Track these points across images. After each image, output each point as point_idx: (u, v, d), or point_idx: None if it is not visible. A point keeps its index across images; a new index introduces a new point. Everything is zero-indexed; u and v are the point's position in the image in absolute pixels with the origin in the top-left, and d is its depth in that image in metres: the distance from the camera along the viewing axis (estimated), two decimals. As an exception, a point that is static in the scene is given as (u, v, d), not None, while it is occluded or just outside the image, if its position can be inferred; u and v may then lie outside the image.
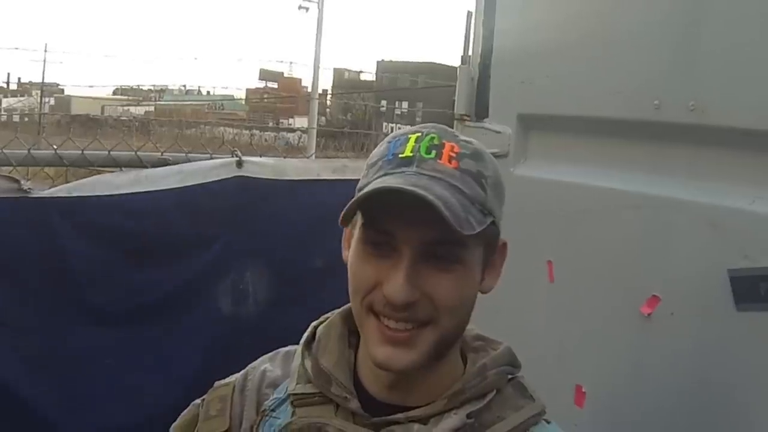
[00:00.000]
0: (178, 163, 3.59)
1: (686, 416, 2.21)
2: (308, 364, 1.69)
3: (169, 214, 3.41)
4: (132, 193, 3.37)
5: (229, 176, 3.49)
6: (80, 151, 3.74)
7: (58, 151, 3.70)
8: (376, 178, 1.50)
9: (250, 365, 1.85)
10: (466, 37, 3.01)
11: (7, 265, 3.27)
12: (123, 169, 3.67)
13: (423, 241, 1.47)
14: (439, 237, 1.46)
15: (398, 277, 1.46)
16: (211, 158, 3.65)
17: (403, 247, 1.48)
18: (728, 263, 2.07)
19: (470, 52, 2.97)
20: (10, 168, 3.54)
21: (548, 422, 1.75)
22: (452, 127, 2.92)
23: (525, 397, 1.72)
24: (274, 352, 1.87)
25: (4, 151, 3.58)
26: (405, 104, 63.48)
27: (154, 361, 3.39)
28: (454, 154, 1.52)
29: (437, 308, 1.51)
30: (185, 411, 1.88)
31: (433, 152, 1.51)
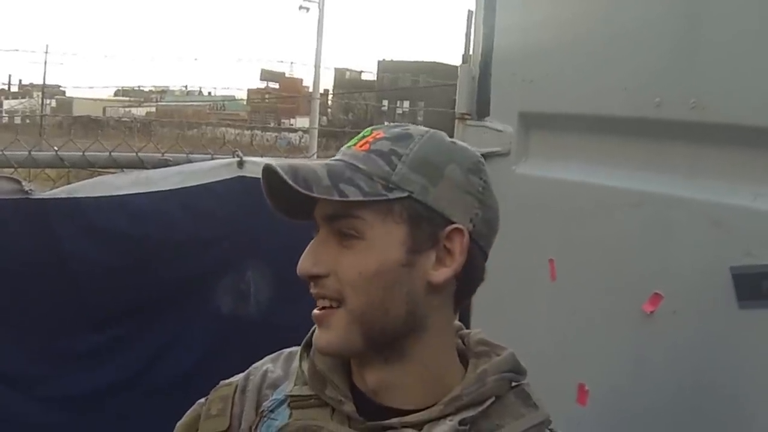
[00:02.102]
0: (179, 164, 3.58)
1: (689, 414, 2.21)
2: (305, 365, 1.67)
3: (170, 215, 3.40)
4: (133, 194, 3.36)
5: (231, 176, 3.48)
6: (81, 153, 3.74)
7: (58, 153, 3.69)
8: None
9: (253, 365, 1.83)
10: (467, 36, 3.02)
11: (7, 267, 3.27)
12: (124, 170, 3.67)
13: (323, 216, 1.53)
14: (332, 211, 1.51)
15: (305, 252, 1.54)
16: (213, 159, 3.65)
17: (318, 226, 1.55)
18: (730, 260, 2.07)
19: (471, 51, 2.97)
20: (12, 170, 3.53)
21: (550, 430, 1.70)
22: (453, 127, 2.94)
23: (528, 406, 1.68)
24: (278, 352, 1.85)
25: (5, 152, 3.58)
26: (406, 104, 63.49)
27: (155, 361, 3.38)
28: (371, 140, 1.55)
29: (342, 285, 1.52)
30: (189, 410, 1.88)
31: (354, 142, 1.58)
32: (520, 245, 2.71)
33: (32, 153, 3.63)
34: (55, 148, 3.82)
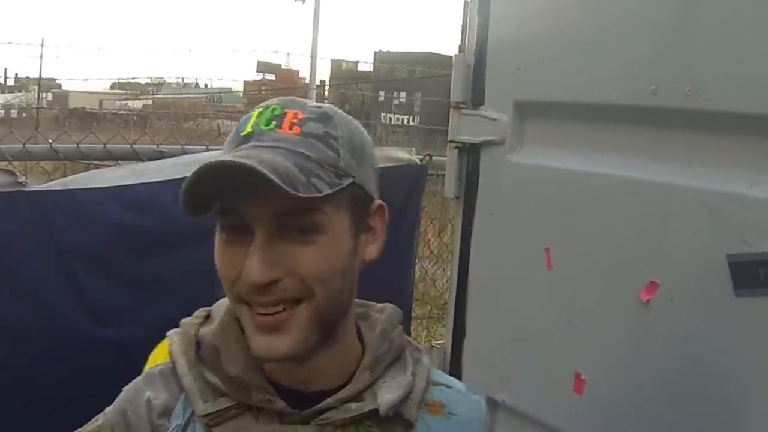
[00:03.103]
0: (174, 155, 3.58)
1: (686, 402, 2.21)
2: (212, 377, 1.54)
3: (167, 206, 3.39)
4: (129, 185, 3.35)
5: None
6: (76, 145, 3.73)
7: (53, 145, 3.69)
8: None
9: (118, 401, 1.65)
10: (462, 26, 3.01)
11: (2, 260, 3.26)
12: (119, 162, 3.66)
13: (275, 214, 1.40)
14: (290, 207, 1.39)
15: (253, 259, 1.39)
16: (207, 150, 3.64)
17: (256, 226, 1.40)
18: (727, 249, 2.07)
19: (466, 41, 2.97)
20: (6, 163, 3.52)
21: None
22: (449, 116, 2.93)
23: (417, 350, 1.72)
24: (141, 378, 1.65)
25: (0, 145, 3.57)
26: (403, 94, 63.59)
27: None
28: (296, 121, 1.46)
29: (306, 283, 1.43)
30: None
31: (273, 123, 1.46)
32: (516, 234, 2.71)
33: (27, 146, 3.62)
34: (50, 140, 3.81)
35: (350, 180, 1.47)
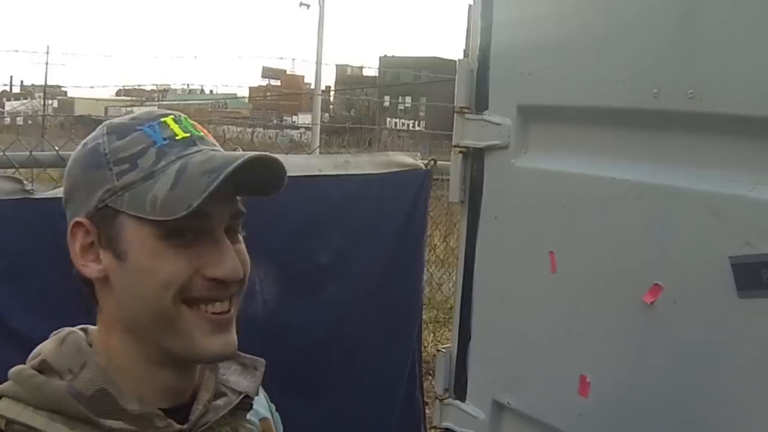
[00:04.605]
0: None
1: (690, 404, 2.22)
2: (117, 424, 1.42)
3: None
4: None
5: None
6: (82, 152, 3.74)
7: (60, 153, 3.69)
8: (173, 162, 1.41)
9: None
10: (467, 30, 3.01)
11: (10, 267, 3.26)
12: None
13: (230, 215, 1.45)
14: (238, 210, 1.47)
15: (229, 256, 1.42)
16: (214, 156, 3.65)
17: (216, 226, 1.42)
18: (730, 250, 2.08)
19: (470, 45, 2.97)
20: (13, 170, 3.53)
21: None
22: (453, 121, 2.94)
23: None
24: None
25: (6, 153, 3.58)
26: (408, 99, 63.51)
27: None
28: (207, 131, 1.53)
29: (243, 279, 1.48)
30: None
31: (201, 131, 1.51)
32: (520, 238, 2.72)
33: (33, 153, 3.63)
34: (56, 148, 3.82)
35: None
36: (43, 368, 1.48)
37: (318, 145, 16.24)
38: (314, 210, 3.54)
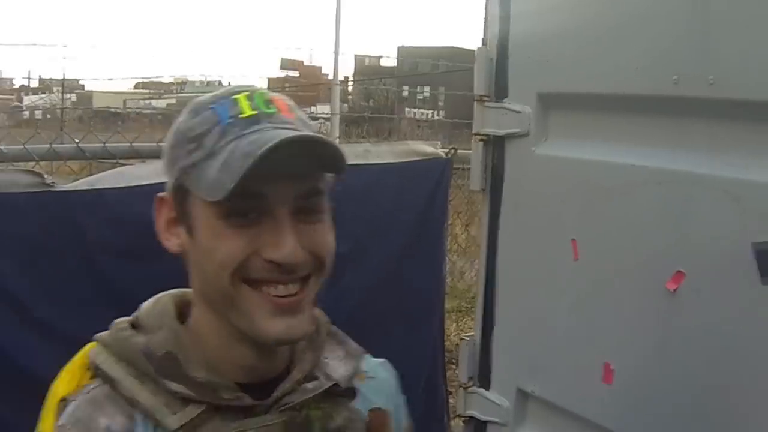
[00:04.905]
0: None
1: (714, 391, 2.21)
2: (177, 386, 1.48)
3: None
4: (156, 184, 3.36)
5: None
6: (102, 144, 3.75)
7: (79, 145, 3.70)
8: (231, 142, 1.40)
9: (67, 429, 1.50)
10: (485, 19, 3.01)
11: (33, 260, 3.28)
12: (145, 160, 3.66)
13: (297, 195, 1.42)
14: (309, 188, 1.44)
15: (287, 240, 1.40)
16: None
17: (278, 207, 1.41)
18: (752, 236, 2.08)
19: (489, 34, 2.96)
20: (33, 164, 3.54)
21: None
22: (472, 110, 2.94)
23: (329, 322, 1.75)
24: (85, 403, 1.51)
25: (26, 146, 3.59)
26: (427, 89, 63.37)
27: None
28: (287, 106, 1.49)
29: (320, 261, 1.47)
30: None
31: (273, 107, 1.47)
32: (542, 226, 2.71)
33: (53, 146, 3.64)
34: (76, 140, 3.83)
35: None
36: (135, 324, 1.60)
37: (337, 135, 16.22)
38: (333, 199, 3.52)
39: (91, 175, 3.49)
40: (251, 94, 1.48)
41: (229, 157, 1.37)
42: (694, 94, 2.22)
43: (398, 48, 73.86)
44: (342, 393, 1.62)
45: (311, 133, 1.41)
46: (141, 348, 1.53)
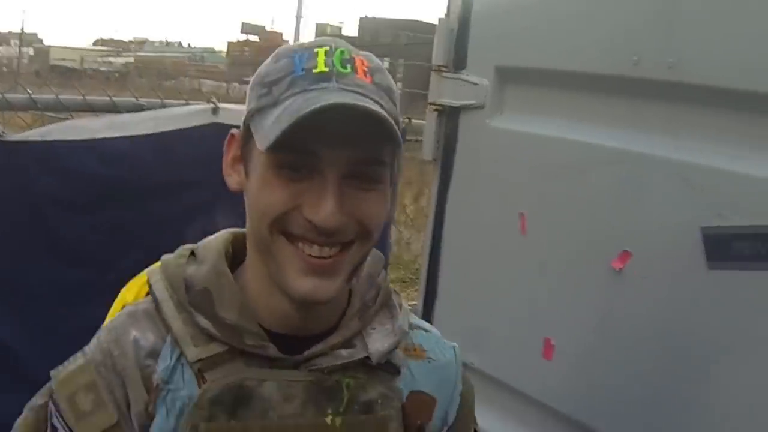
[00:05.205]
0: (153, 109, 3.55)
1: (653, 370, 2.23)
2: (204, 321, 1.51)
3: (144, 159, 3.36)
4: (108, 138, 3.33)
5: (205, 123, 3.45)
6: (55, 96, 3.70)
7: (32, 96, 3.65)
8: (292, 96, 1.38)
9: (100, 339, 1.57)
10: (449, -9, 3.00)
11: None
12: (98, 115, 3.62)
13: (350, 160, 1.38)
14: (366, 156, 1.39)
15: (328, 203, 1.37)
16: (188, 104, 3.61)
17: (328, 169, 1.37)
18: (701, 221, 2.08)
19: (451, 5, 2.95)
20: (-15, 115, 3.49)
21: None
22: (429, 79, 2.92)
23: (395, 293, 1.72)
24: (124, 315, 1.58)
25: (-24, 96, 3.53)
26: (387, 60, 63.42)
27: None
28: (366, 69, 1.45)
29: (364, 229, 1.43)
30: (19, 421, 1.58)
31: (349, 66, 1.42)
32: (491, 199, 2.71)
33: (6, 95, 3.59)
34: (29, 91, 3.77)
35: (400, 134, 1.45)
36: (194, 252, 1.62)
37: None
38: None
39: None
40: (331, 49, 1.44)
41: (285, 110, 1.35)
42: (654, 76, 2.22)
43: (360, 18, 73.72)
44: (383, 368, 1.59)
45: (363, 104, 1.33)
46: (185, 277, 1.56)
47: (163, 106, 3.61)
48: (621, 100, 2.35)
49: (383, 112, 1.34)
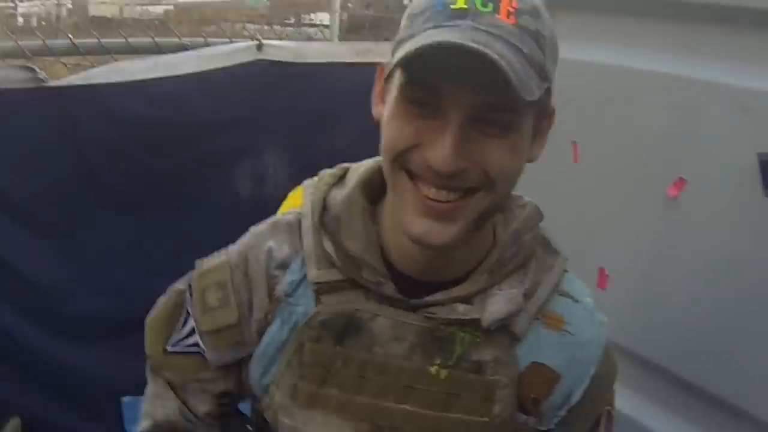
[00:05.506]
0: (196, 49, 3.52)
1: (708, 298, 2.20)
2: (329, 246, 1.54)
3: (188, 98, 3.33)
4: (152, 79, 3.31)
5: (250, 60, 3.41)
6: (97, 39, 3.67)
7: (73, 40, 3.63)
8: (424, 31, 1.31)
9: (242, 242, 1.67)
10: None
11: (25, 156, 3.25)
12: (142, 56, 3.60)
13: (475, 104, 1.30)
14: (494, 101, 1.30)
15: (445, 145, 1.30)
16: (231, 42, 3.57)
17: (451, 110, 1.30)
18: (758, 147, 2.04)
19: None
20: (26, 60, 3.47)
21: (567, 272, 1.66)
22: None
23: (551, 253, 1.64)
24: (268, 224, 1.67)
25: (19, 42, 3.51)
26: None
27: (173, 246, 3.35)
28: (512, 9, 1.32)
29: (489, 177, 1.35)
30: (163, 299, 1.75)
31: (490, 5, 1.31)
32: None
33: (47, 41, 3.57)
34: (71, 36, 3.75)
35: (547, 85, 1.39)
36: (345, 176, 1.64)
37: (336, 41, 16.07)
38: (333, 96, 3.50)
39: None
40: None
41: (412, 43, 1.30)
42: (709, 0, 2.17)
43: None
44: (504, 333, 1.53)
45: (477, 46, 1.24)
46: (326, 198, 1.59)
47: (207, 45, 3.59)
48: (675, 24, 2.30)
49: (496, 57, 1.23)
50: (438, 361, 1.51)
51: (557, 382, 1.58)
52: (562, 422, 1.63)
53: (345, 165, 1.65)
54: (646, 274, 2.35)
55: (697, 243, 2.22)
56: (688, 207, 2.22)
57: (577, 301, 1.63)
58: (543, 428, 1.62)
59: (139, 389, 3.38)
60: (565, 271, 1.65)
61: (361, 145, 1.62)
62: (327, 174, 1.65)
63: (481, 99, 1.30)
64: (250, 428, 1.65)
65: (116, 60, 3.56)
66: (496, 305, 1.51)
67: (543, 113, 1.47)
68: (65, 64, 4.05)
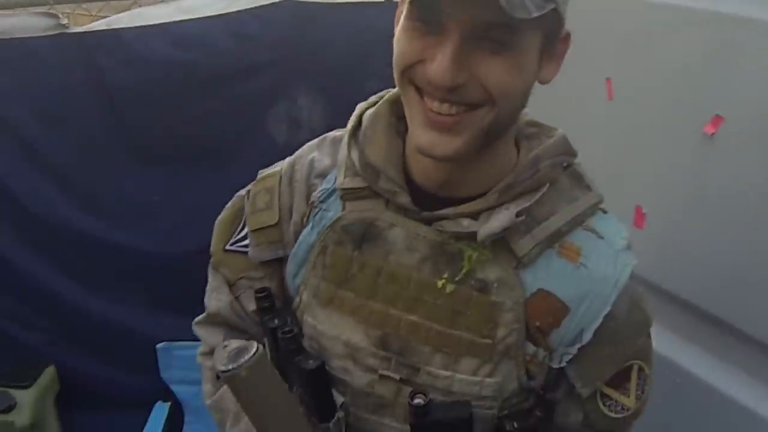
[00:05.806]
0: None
1: (745, 239, 2.17)
2: (355, 155, 1.66)
3: (215, 41, 3.30)
4: (177, 22, 3.28)
5: (277, 0, 3.36)
6: (120, -19, 3.65)
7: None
8: None
9: (296, 153, 1.83)
10: None
11: (49, 104, 3.24)
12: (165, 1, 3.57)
13: (474, 21, 1.33)
14: (493, 19, 1.31)
15: (444, 58, 1.35)
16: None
17: (451, 27, 1.35)
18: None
19: None
20: (48, 7, 3.45)
21: (605, 212, 1.68)
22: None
23: (581, 188, 1.65)
24: (320, 138, 1.83)
25: (40, -11, 3.49)
26: None
27: (207, 194, 3.33)
28: None
29: (489, 93, 1.39)
30: (229, 204, 1.91)
31: None
32: (577, 63, 2.63)
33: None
34: (91, -20, 3.72)
35: (552, 6, 1.36)
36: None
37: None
38: (363, 37, 3.45)
39: (109, 24, 3.41)
40: None
41: None
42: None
43: None
44: (509, 252, 1.56)
45: None
46: (364, 114, 1.71)
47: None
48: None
49: None
50: (445, 275, 1.58)
51: (566, 314, 1.58)
52: (575, 361, 1.62)
53: (393, 91, 1.71)
54: (683, 212, 2.33)
55: (735, 180, 2.19)
56: (726, 144, 2.18)
57: (602, 237, 1.63)
58: (555, 365, 1.63)
59: (172, 337, 3.39)
60: (602, 210, 1.67)
61: (392, 86, 1.60)
62: (379, 94, 1.75)
63: (481, 16, 1.32)
64: (295, 330, 1.69)
65: (140, 6, 3.53)
66: (497, 221, 1.54)
67: (553, 35, 1.48)
68: (88, 13, 4.03)
